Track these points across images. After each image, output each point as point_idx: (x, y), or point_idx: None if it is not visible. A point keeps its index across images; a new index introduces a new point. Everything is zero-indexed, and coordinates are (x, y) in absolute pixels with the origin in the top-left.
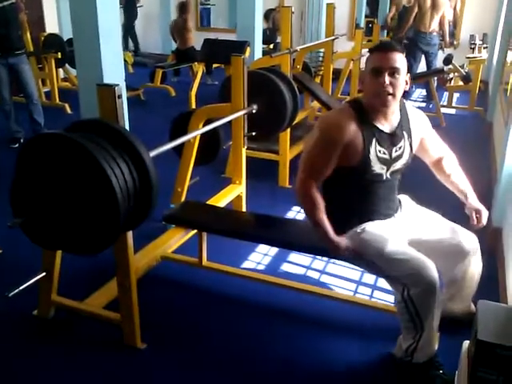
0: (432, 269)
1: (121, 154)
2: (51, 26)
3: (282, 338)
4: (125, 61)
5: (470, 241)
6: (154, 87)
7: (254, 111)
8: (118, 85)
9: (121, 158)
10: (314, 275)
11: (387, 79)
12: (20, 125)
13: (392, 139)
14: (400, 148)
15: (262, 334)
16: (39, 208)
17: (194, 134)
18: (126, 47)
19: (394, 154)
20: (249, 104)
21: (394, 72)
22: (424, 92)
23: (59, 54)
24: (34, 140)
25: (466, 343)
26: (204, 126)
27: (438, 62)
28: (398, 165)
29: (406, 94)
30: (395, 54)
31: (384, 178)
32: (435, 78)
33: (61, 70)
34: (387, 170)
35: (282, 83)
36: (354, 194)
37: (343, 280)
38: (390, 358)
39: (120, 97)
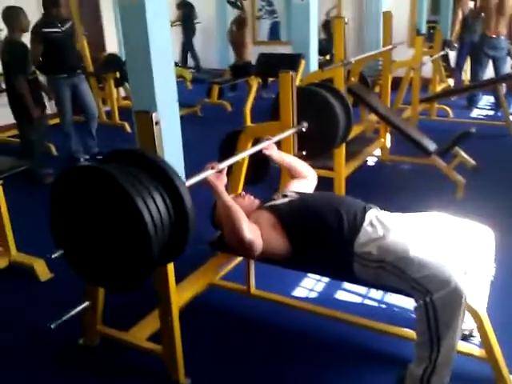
0: (460, 276)
1: (155, 185)
2: (111, 47)
3: (336, 375)
4: (183, 77)
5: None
6: (210, 103)
7: (304, 129)
8: (155, 111)
9: (155, 189)
10: (372, 304)
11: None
12: (80, 145)
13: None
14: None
15: (316, 369)
16: (75, 241)
17: (242, 155)
18: (184, 64)
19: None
20: (299, 122)
21: None
22: (492, 99)
23: (117, 73)
24: (67, 173)
25: None
26: (253, 145)
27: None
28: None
29: (472, 102)
30: None
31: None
32: (504, 85)
33: (122, 88)
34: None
35: (334, 98)
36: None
37: (402, 310)
38: None
39: (158, 123)
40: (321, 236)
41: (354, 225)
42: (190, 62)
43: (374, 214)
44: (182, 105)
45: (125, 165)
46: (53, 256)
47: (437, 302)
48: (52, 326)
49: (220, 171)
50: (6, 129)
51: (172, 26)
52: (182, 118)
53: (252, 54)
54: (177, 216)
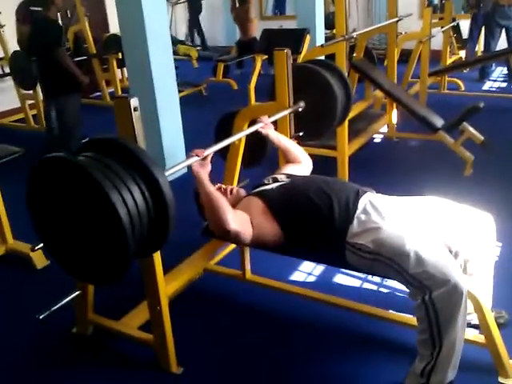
0: (459, 272)
1: (133, 175)
2: (115, 27)
3: (334, 361)
4: (189, 56)
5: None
6: (216, 82)
7: (300, 109)
8: (133, 96)
9: (132, 180)
10: (371, 287)
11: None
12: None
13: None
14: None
15: (313, 356)
16: (54, 233)
17: (233, 139)
18: (192, 41)
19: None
20: (295, 102)
21: None
22: (505, 70)
23: (120, 54)
24: (40, 163)
25: None
26: (249, 126)
27: None
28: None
29: (485, 74)
30: None
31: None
32: None
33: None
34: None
35: (331, 75)
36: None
37: (402, 293)
38: None
39: (136, 109)
40: (311, 223)
41: (346, 213)
42: (197, 39)
43: (367, 199)
44: (187, 83)
45: (101, 155)
46: (36, 248)
47: (436, 300)
48: (40, 317)
49: (204, 158)
50: (10, 113)
51: (178, 3)
52: (186, 97)
53: (259, 30)
54: (156, 207)
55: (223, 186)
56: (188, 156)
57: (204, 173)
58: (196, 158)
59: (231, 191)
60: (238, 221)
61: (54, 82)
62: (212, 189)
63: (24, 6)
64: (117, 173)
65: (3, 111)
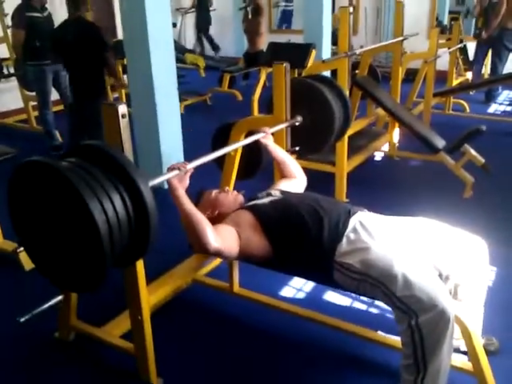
0: (447, 297)
1: (115, 184)
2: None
3: (317, 378)
4: (196, 65)
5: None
6: (221, 92)
7: (297, 123)
8: (121, 103)
9: (114, 189)
10: (361, 307)
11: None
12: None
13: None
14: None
15: (297, 374)
16: (34, 237)
17: (225, 150)
18: (201, 51)
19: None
20: (293, 116)
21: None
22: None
23: (125, 59)
24: (23, 166)
25: None
26: (246, 138)
27: None
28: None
29: (491, 97)
30: None
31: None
32: None
33: None
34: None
35: (330, 91)
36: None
37: (391, 314)
38: None
39: (124, 116)
40: (300, 240)
41: (335, 231)
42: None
43: (357, 219)
44: (192, 92)
45: (85, 161)
46: (18, 250)
47: (422, 326)
48: (21, 320)
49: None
50: (14, 113)
51: (188, 12)
52: (190, 106)
53: (266, 43)
54: (137, 217)
55: (227, 188)
56: (169, 169)
57: (181, 188)
58: (177, 172)
59: (232, 193)
60: (221, 237)
61: (88, 85)
62: (190, 205)
63: (20, 10)
64: (98, 180)
65: (7, 111)
